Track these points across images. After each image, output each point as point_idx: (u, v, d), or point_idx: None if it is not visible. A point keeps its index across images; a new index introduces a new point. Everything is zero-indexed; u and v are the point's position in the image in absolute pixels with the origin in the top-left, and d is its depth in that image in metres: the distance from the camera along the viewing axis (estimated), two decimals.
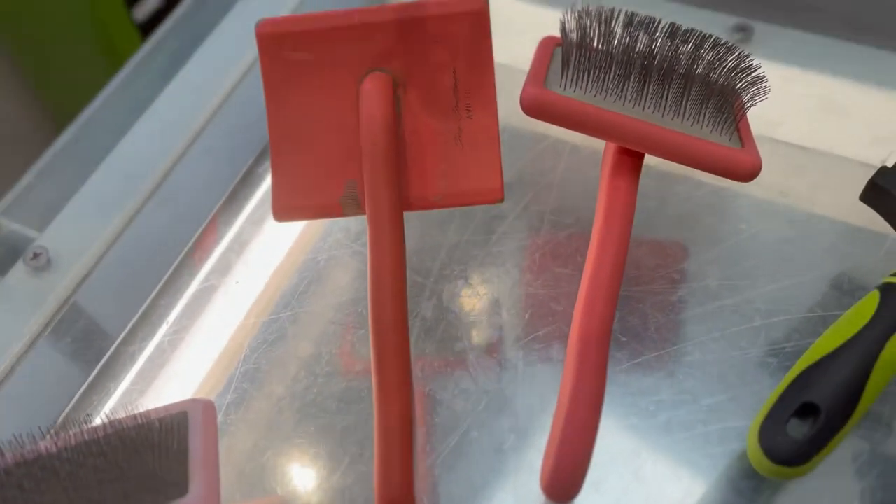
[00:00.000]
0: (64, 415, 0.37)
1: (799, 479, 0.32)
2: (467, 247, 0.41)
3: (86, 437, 0.30)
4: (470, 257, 0.41)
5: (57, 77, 1.05)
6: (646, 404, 0.35)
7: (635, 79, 0.35)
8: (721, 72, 0.36)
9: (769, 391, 0.34)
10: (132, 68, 0.51)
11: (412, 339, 0.37)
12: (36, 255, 0.41)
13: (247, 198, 0.44)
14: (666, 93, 0.35)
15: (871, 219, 0.38)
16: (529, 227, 0.41)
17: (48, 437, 0.31)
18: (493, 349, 0.37)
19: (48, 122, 1.10)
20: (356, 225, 0.43)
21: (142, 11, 1.00)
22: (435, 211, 0.41)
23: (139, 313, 0.40)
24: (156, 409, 0.32)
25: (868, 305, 0.33)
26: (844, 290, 0.38)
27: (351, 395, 0.37)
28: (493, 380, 0.36)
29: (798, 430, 0.31)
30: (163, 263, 0.42)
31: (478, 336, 0.38)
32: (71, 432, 0.31)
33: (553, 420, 0.31)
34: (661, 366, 0.36)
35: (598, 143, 0.43)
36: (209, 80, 0.49)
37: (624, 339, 0.37)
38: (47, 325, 0.40)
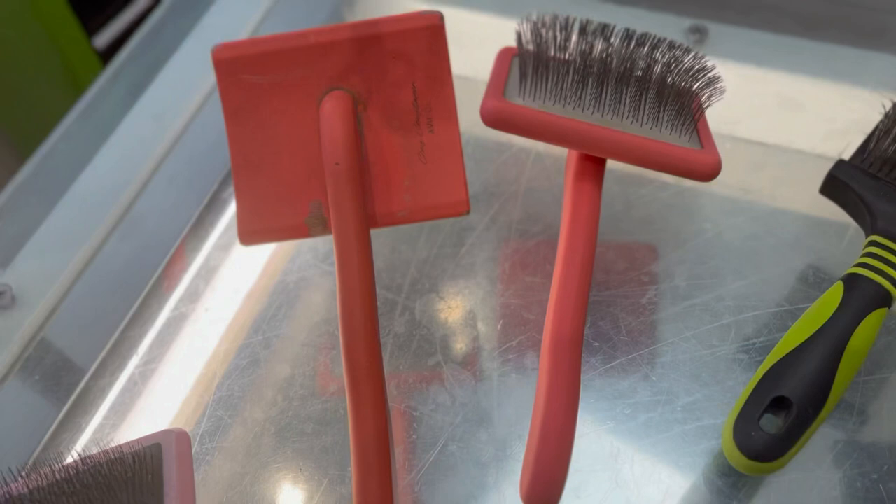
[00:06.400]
0: (35, 454, 0.37)
1: (776, 473, 0.33)
2: (437, 260, 0.41)
3: (57, 476, 0.30)
4: (440, 271, 0.41)
5: (18, 107, 1.04)
6: (622, 407, 0.35)
7: (593, 85, 0.35)
8: (677, 74, 0.36)
9: (742, 387, 0.34)
10: (91, 98, 0.51)
11: (385, 357, 0.37)
12: (0, 294, 0.41)
13: (213, 223, 0.44)
14: (624, 97, 0.35)
15: (832, 211, 0.39)
16: (498, 238, 0.42)
17: (19, 478, 0.30)
18: (467, 361, 0.37)
19: (10, 154, 1.09)
20: (324, 245, 0.42)
21: (102, 39, 0.99)
22: (403, 226, 0.41)
23: (108, 346, 0.40)
24: (128, 443, 0.32)
25: (833, 297, 0.33)
26: (810, 283, 0.39)
27: (327, 416, 0.36)
28: (469, 392, 0.36)
29: (772, 424, 0.32)
30: (131, 294, 0.41)
31: (452, 349, 0.38)
32: (42, 472, 0.30)
33: (529, 429, 0.31)
34: (636, 368, 0.36)
35: (561, 151, 0.44)
36: (169, 107, 0.49)
37: (596, 343, 0.37)
38: (14, 363, 0.39)
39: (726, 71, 0.37)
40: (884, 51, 0.49)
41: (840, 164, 0.38)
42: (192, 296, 0.41)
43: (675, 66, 0.36)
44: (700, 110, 0.36)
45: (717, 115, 0.39)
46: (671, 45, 0.36)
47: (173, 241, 0.43)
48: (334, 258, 0.34)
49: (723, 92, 0.36)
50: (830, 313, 0.33)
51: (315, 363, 0.38)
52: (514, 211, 0.42)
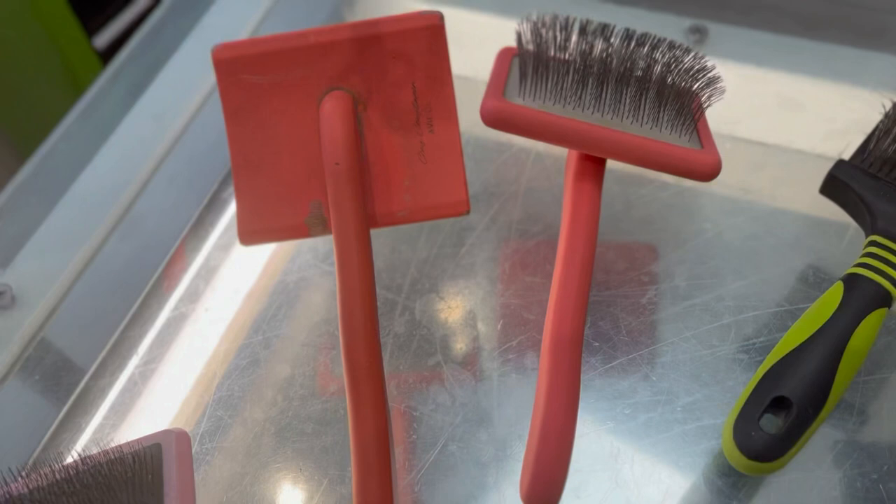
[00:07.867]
0: (35, 454, 0.37)
1: (776, 473, 0.33)
2: (437, 260, 0.41)
3: (57, 476, 0.30)
4: (440, 271, 0.41)
5: (18, 107, 1.04)
6: (622, 407, 0.35)
7: (593, 85, 0.35)
8: (677, 74, 0.36)
9: (742, 387, 0.34)
10: (91, 98, 0.51)
11: (386, 357, 0.37)
12: (0, 293, 0.41)
13: (213, 223, 0.44)
14: (624, 97, 0.35)
15: (832, 211, 0.39)
16: (498, 238, 0.42)
17: (19, 478, 0.30)
18: (467, 361, 0.37)
19: (10, 154, 1.09)
20: (324, 245, 0.42)
21: (102, 39, 0.99)
22: (403, 226, 0.41)
23: (108, 346, 0.40)
24: (128, 443, 0.32)
25: (833, 297, 0.33)
26: (810, 283, 0.39)
27: (327, 416, 0.36)
28: (469, 392, 0.36)
29: (772, 424, 0.32)
30: (131, 294, 0.41)
31: (452, 349, 0.38)
32: (42, 472, 0.30)
33: (529, 429, 0.31)
34: (636, 368, 0.36)
35: (561, 150, 0.44)
36: (169, 107, 0.49)
37: (596, 343, 0.37)
38: (14, 363, 0.39)
39: (726, 71, 0.37)
40: (884, 51, 0.49)
41: (840, 164, 0.38)
42: (192, 296, 0.41)
43: (675, 66, 0.36)
44: (700, 110, 0.36)
45: (717, 115, 0.39)
46: (671, 45, 0.36)
47: (173, 241, 0.43)
48: (334, 258, 0.34)
49: (723, 92, 0.36)
50: (830, 313, 0.33)
51: (315, 363, 0.38)
52: (514, 211, 0.42)
